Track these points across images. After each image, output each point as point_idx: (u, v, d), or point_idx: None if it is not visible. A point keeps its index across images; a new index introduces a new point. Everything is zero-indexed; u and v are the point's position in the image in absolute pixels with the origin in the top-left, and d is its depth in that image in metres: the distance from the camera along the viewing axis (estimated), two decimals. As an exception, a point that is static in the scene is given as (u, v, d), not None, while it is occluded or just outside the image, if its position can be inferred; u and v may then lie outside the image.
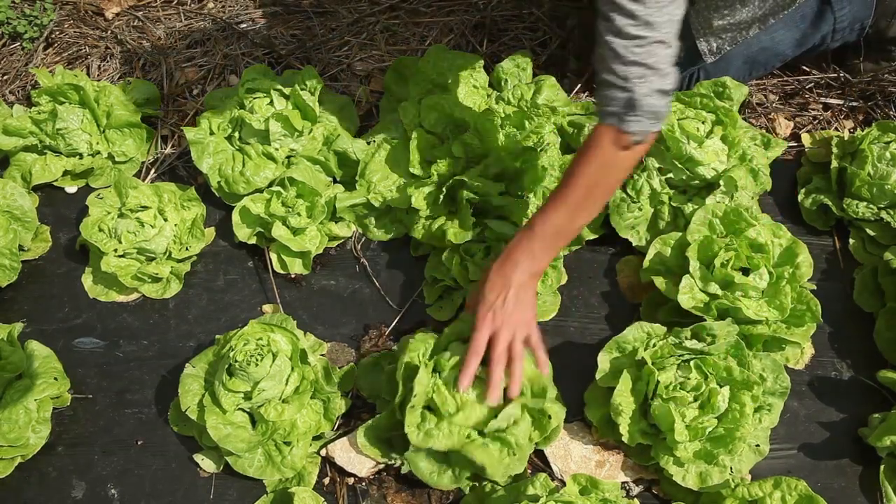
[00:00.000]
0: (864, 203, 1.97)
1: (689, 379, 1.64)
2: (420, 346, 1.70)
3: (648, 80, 1.46)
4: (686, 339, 1.71)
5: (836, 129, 2.24)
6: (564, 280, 1.95)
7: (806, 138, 2.18)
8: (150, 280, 1.99)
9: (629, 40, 1.43)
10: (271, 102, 2.11)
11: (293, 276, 2.04)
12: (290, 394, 1.71)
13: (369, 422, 1.74)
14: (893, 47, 2.23)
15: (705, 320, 1.72)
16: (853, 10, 2.08)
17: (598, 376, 1.73)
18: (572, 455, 1.75)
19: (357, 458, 1.75)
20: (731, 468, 1.61)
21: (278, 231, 1.95)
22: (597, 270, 2.04)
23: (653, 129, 1.52)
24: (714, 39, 2.03)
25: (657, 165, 1.96)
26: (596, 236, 2.01)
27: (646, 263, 1.88)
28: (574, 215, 1.61)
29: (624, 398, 1.66)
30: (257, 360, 1.67)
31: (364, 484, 1.76)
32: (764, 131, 2.13)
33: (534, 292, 1.67)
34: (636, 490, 1.74)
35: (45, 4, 2.59)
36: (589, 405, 1.76)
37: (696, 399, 1.62)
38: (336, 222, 2.05)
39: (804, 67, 2.34)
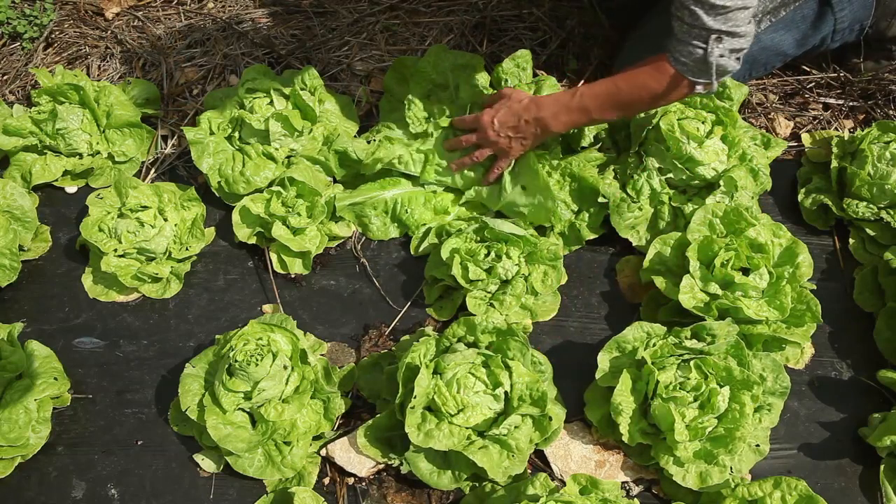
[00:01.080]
0: (864, 203, 1.97)
1: (689, 379, 1.64)
2: (421, 348, 1.70)
3: (725, 42, 1.58)
4: (686, 338, 1.71)
5: (836, 128, 2.24)
6: (564, 280, 1.95)
7: (806, 138, 2.18)
8: (150, 280, 1.99)
9: (712, 9, 1.54)
10: (271, 102, 2.11)
11: (293, 276, 2.04)
12: (290, 394, 1.71)
13: (369, 422, 1.74)
14: (894, 47, 2.23)
15: (705, 320, 1.72)
16: (853, 10, 2.08)
17: (598, 376, 1.73)
18: (572, 455, 1.75)
19: (357, 458, 1.75)
20: (731, 468, 1.61)
21: (278, 231, 1.95)
22: (597, 270, 2.04)
23: (717, 81, 1.65)
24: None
25: (657, 165, 1.96)
26: (596, 236, 2.01)
27: (646, 263, 1.89)
28: (606, 110, 1.81)
29: (624, 398, 1.66)
30: (257, 359, 1.67)
31: (364, 484, 1.76)
32: (764, 131, 2.13)
33: (533, 140, 1.91)
34: (636, 490, 1.74)
35: (45, 4, 2.59)
36: (589, 405, 1.77)
37: (696, 399, 1.62)
38: (336, 222, 2.05)
39: (804, 67, 2.34)
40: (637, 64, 1.77)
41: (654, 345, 1.69)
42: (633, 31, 2.24)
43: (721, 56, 1.60)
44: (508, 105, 1.92)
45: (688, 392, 1.63)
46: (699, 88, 1.69)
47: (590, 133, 2.06)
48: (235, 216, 2.00)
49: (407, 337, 1.91)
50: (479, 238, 1.92)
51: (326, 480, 1.77)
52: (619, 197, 1.96)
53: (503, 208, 2.02)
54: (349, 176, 2.12)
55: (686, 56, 1.64)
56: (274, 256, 2.02)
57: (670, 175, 1.95)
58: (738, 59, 1.64)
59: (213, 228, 2.11)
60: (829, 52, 2.27)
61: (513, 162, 1.97)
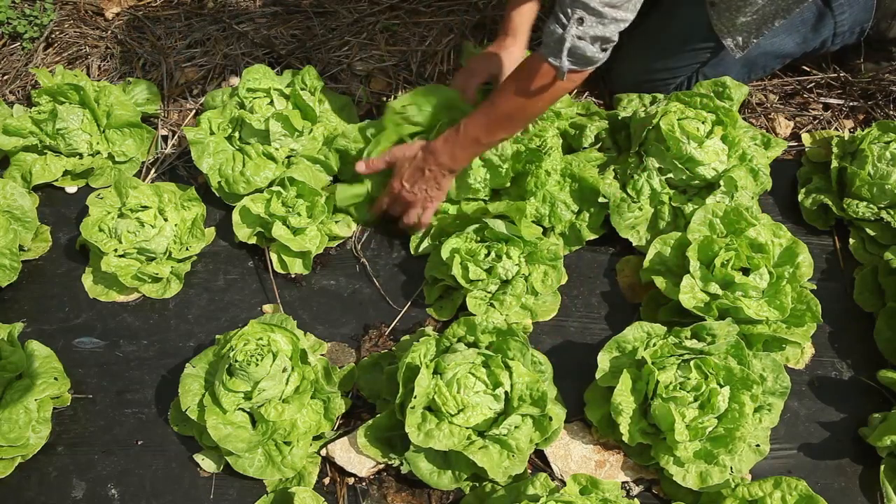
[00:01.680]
0: (865, 203, 1.97)
1: (689, 379, 1.64)
2: (421, 348, 1.70)
3: (587, 25, 1.52)
4: (686, 338, 1.71)
5: (837, 128, 2.24)
6: (564, 280, 1.95)
7: (806, 138, 2.18)
8: (150, 280, 1.99)
9: None
10: (271, 102, 2.11)
11: (293, 275, 2.04)
12: (291, 394, 1.71)
13: (369, 422, 1.74)
14: (894, 48, 2.23)
15: (705, 320, 1.72)
16: (853, 13, 2.08)
17: (598, 376, 1.73)
18: (572, 455, 1.75)
19: (357, 458, 1.75)
20: (731, 468, 1.61)
21: (278, 231, 1.95)
22: (597, 270, 2.04)
23: (580, 69, 1.59)
24: (739, 35, 2.02)
25: (657, 165, 1.96)
26: (596, 236, 2.01)
27: (646, 263, 1.89)
28: (493, 131, 1.78)
29: (624, 397, 1.66)
30: (257, 359, 1.67)
31: (364, 484, 1.76)
32: (764, 131, 2.13)
33: (446, 183, 1.92)
34: (636, 490, 1.74)
35: (45, 4, 2.59)
36: (589, 405, 1.77)
37: (696, 399, 1.62)
38: (336, 222, 2.05)
39: (804, 68, 2.34)
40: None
41: (655, 345, 1.69)
42: (633, 31, 2.24)
43: (579, 38, 1.53)
44: (408, 164, 1.91)
45: (688, 392, 1.63)
46: (562, 74, 1.58)
47: (591, 133, 2.06)
48: (235, 216, 2.00)
49: (407, 337, 1.91)
50: (479, 238, 1.92)
51: (326, 480, 1.77)
52: (619, 197, 1.97)
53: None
54: (349, 174, 2.11)
55: (548, 36, 1.58)
56: (274, 256, 2.02)
57: (670, 175, 1.95)
58: (603, 49, 1.57)
59: (213, 228, 2.11)
60: (829, 54, 2.27)
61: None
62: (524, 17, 2.04)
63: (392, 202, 1.99)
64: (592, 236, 2.00)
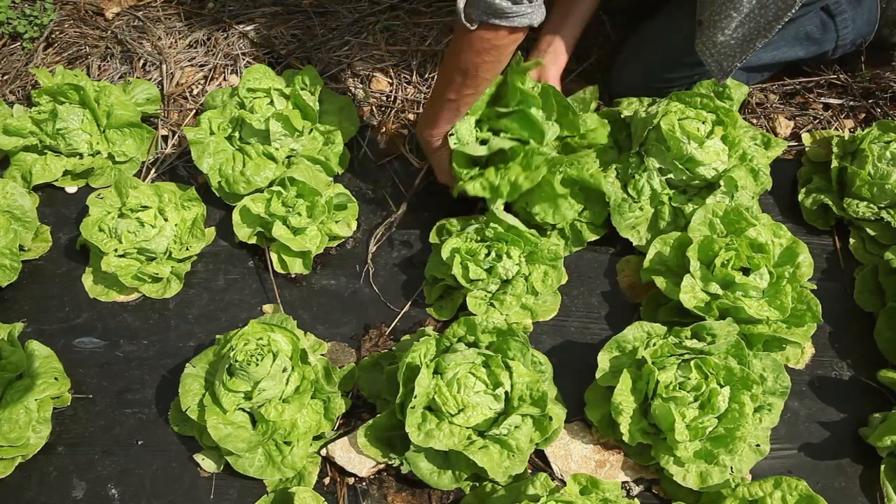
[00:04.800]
0: (865, 203, 1.97)
1: (689, 379, 1.64)
2: (422, 348, 1.70)
3: None
4: (686, 338, 1.71)
5: (837, 128, 2.24)
6: (565, 280, 1.95)
7: (806, 138, 2.18)
8: (150, 280, 1.99)
9: None
10: (271, 102, 2.11)
11: (293, 275, 2.04)
12: (291, 394, 1.71)
13: (369, 422, 1.74)
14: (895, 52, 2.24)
15: (705, 320, 1.72)
16: (856, 27, 2.08)
17: (598, 375, 1.73)
18: (572, 455, 1.75)
19: (357, 457, 1.75)
20: (731, 468, 1.61)
21: (278, 231, 1.95)
22: (597, 270, 2.04)
23: (491, 21, 1.58)
24: (723, 58, 1.92)
25: (658, 166, 1.96)
26: (597, 237, 2.01)
27: (646, 263, 1.89)
28: (452, 89, 1.76)
29: (624, 397, 1.66)
30: (258, 359, 1.67)
31: (364, 484, 1.76)
32: (764, 131, 2.13)
33: (427, 154, 1.99)
34: (636, 490, 1.74)
35: (46, 4, 2.59)
36: (589, 405, 1.77)
37: (696, 399, 1.62)
38: (336, 222, 2.05)
39: (805, 68, 2.34)
40: None
41: (655, 344, 1.69)
42: (634, 33, 2.24)
43: None
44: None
45: (688, 392, 1.63)
46: (473, 27, 1.59)
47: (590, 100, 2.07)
48: (236, 216, 2.00)
49: (407, 337, 1.91)
50: (479, 238, 1.91)
51: (327, 480, 1.77)
52: (620, 197, 1.96)
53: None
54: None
55: None
56: (274, 256, 2.02)
57: (671, 175, 1.95)
58: (508, 5, 1.55)
59: (213, 228, 2.11)
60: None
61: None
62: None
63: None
64: (593, 237, 2.00)
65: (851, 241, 2.03)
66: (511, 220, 1.87)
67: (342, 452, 1.75)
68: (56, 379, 1.81)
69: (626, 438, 1.65)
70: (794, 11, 1.82)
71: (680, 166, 1.92)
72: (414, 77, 2.38)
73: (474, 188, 1.88)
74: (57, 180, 2.18)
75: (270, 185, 2.04)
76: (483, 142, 1.91)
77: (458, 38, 1.66)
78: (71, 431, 1.85)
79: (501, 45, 1.65)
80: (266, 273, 2.04)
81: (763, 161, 1.98)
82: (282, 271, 2.02)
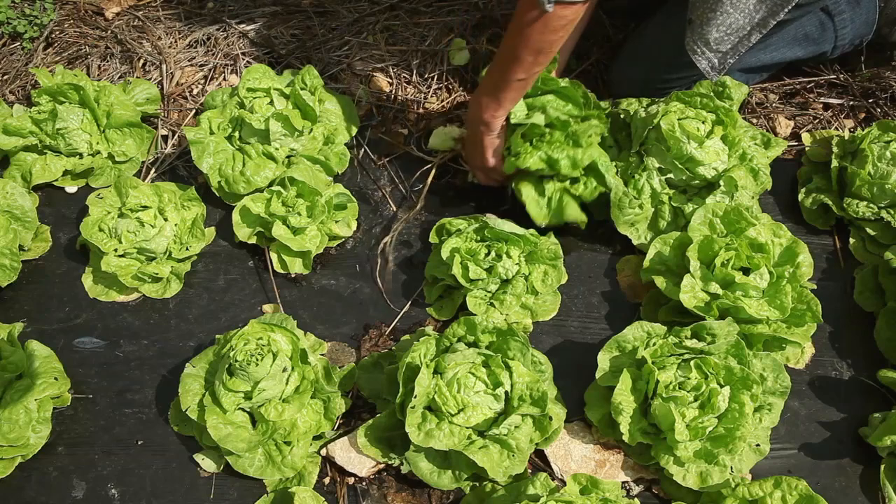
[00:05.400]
0: (865, 202, 1.97)
1: (689, 378, 1.64)
2: (422, 347, 1.70)
3: None
4: (686, 338, 1.71)
5: (837, 128, 2.24)
6: (565, 279, 1.95)
7: (806, 138, 2.18)
8: (150, 280, 1.99)
9: None
10: (271, 102, 2.11)
11: (293, 275, 2.04)
12: (291, 393, 1.71)
13: (370, 422, 1.74)
14: (895, 52, 2.24)
15: (705, 320, 1.72)
16: (855, 28, 2.08)
17: (598, 375, 1.73)
18: (572, 455, 1.75)
19: (357, 457, 1.75)
20: (731, 468, 1.61)
21: (278, 230, 1.95)
22: (597, 270, 2.04)
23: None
24: (714, 55, 1.95)
25: (657, 165, 1.95)
26: (579, 221, 1.96)
27: (646, 263, 1.89)
28: (506, 69, 1.75)
29: (624, 397, 1.66)
30: (258, 359, 1.67)
31: (364, 484, 1.76)
32: (764, 131, 2.13)
33: (486, 140, 1.92)
34: (636, 490, 1.74)
35: (45, 4, 2.59)
36: (589, 405, 1.76)
37: (696, 399, 1.62)
38: (336, 222, 2.05)
39: (804, 68, 2.34)
40: None
41: (655, 344, 1.69)
42: (634, 32, 2.24)
43: None
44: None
45: (688, 392, 1.63)
46: (544, 8, 1.57)
47: None
48: (236, 216, 2.00)
49: (407, 336, 1.91)
50: (479, 237, 1.91)
51: (327, 480, 1.77)
52: (621, 191, 1.95)
53: None
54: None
55: None
56: (274, 256, 2.02)
57: (671, 175, 1.95)
58: None
59: (213, 228, 2.11)
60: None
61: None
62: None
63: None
64: (576, 217, 1.96)
65: (851, 240, 2.03)
66: (508, 226, 1.87)
67: (342, 452, 1.75)
68: (56, 379, 1.81)
69: (626, 438, 1.65)
70: (790, 8, 1.82)
71: (680, 166, 1.92)
72: (414, 77, 2.39)
73: (534, 162, 1.88)
74: (57, 180, 2.18)
75: (270, 184, 2.04)
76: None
77: (531, 19, 1.62)
78: (71, 431, 1.85)
79: (576, 18, 1.65)
80: (266, 273, 2.04)
81: (763, 161, 1.98)
82: (282, 271, 2.02)
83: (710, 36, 1.90)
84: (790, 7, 1.82)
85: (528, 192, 1.94)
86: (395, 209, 2.14)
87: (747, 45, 1.91)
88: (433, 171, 2.17)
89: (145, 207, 2.00)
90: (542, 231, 1.99)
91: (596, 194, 1.94)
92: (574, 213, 1.94)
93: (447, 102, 2.34)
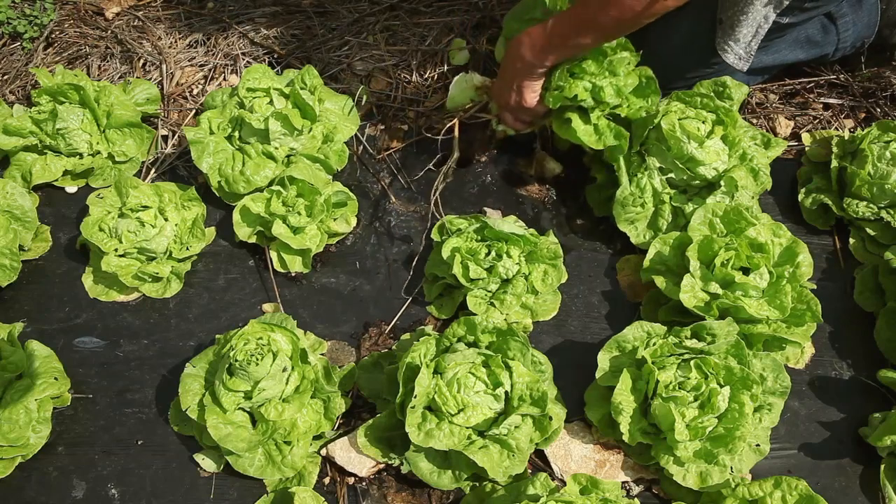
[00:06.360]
0: (865, 202, 1.97)
1: (689, 378, 1.64)
2: (422, 347, 1.70)
3: None
4: (686, 338, 1.71)
5: (837, 128, 2.24)
6: (565, 279, 1.95)
7: (806, 138, 2.18)
8: (150, 279, 1.99)
9: None
10: (271, 101, 2.11)
11: (293, 274, 2.04)
12: (291, 393, 1.71)
13: (370, 421, 1.74)
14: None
15: (705, 320, 1.72)
16: (857, 30, 2.08)
17: (598, 375, 1.73)
18: (572, 455, 1.75)
19: (357, 457, 1.75)
20: (731, 468, 1.61)
21: (278, 229, 1.95)
22: (597, 269, 2.04)
23: None
24: (741, 47, 1.97)
25: (658, 165, 1.95)
26: (597, 216, 1.97)
27: (646, 263, 1.89)
28: (581, 32, 1.72)
29: (624, 397, 1.66)
30: (258, 359, 1.67)
31: (364, 483, 1.76)
32: (764, 131, 2.13)
33: (530, 85, 1.88)
34: (636, 490, 1.74)
35: (45, 4, 2.59)
36: (589, 404, 1.76)
37: (696, 399, 1.62)
38: (335, 220, 2.05)
39: (805, 69, 2.34)
40: None
41: (655, 344, 1.69)
42: (634, 34, 2.23)
43: None
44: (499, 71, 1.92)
45: (688, 392, 1.63)
46: None
47: None
48: (236, 215, 2.00)
49: (407, 336, 1.91)
50: (479, 237, 1.92)
51: (327, 480, 1.77)
52: (628, 190, 1.95)
53: None
54: None
55: None
56: (274, 255, 2.02)
57: (671, 175, 1.95)
58: None
59: (213, 228, 2.11)
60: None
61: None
62: None
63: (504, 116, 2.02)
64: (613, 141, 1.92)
65: (851, 240, 2.03)
66: (508, 227, 1.87)
67: (342, 452, 1.75)
68: (56, 379, 1.81)
69: (626, 438, 1.65)
70: None
71: (680, 166, 1.92)
72: (414, 77, 2.39)
73: (581, 92, 1.86)
74: (57, 180, 2.18)
75: (270, 184, 2.04)
76: None
77: (633, 3, 1.61)
78: (71, 431, 1.85)
79: (678, 5, 1.63)
80: (266, 272, 2.04)
81: (763, 161, 1.98)
82: (282, 270, 2.02)
83: (739, 34, 1.93)
84: None
85: (576, 123, 1.92)
86: (395, 202, 2.14)
87: (767, 26, 1.92)
88: (457, 124, 2.09)
89: (145, 207, 2.00)
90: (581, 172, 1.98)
91: (642, 113, 1.93)
92: (621, 135, 1.92)
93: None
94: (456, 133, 2.08)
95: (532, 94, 1.90)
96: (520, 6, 2.03)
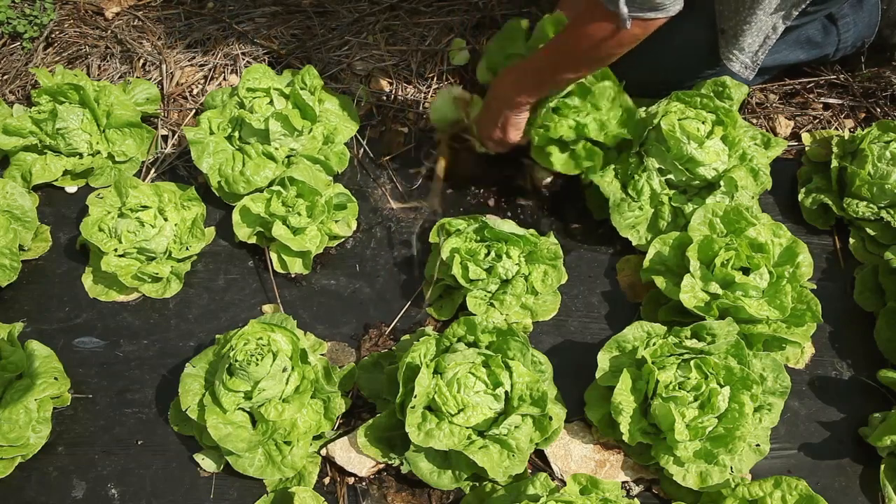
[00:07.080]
0: (865, 202, 1.97)
1: (689, 378, 1.64)
2: (422, 347, 1.70)
3: None
4: (686, 338, 1.71)
5: (837, 128, 2.24)
6: (565, 279, 1.95)
7: (806, 138, 2.18)
8: (150, 280, 1.99)
9: None
10: (271, 102, 2.11)
11: (293, 275, 2.04)
12: (291, 393, 1.71)
13: (369, 421, 1.74)
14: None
15: (705, 320, 1.72)
16: (857, 31, 2.08)
17: (598, 375, 1.73)
18: (572, 455, 1.75)
19: (357, 457, 1.75)
20: (731, 468, 1.61)
21: (278, 230, 1.95)
22: (597, 270, 2.04)
23: (645, 14, 1.53)
24: (746, 56, 1.97)
25: (657, 166, 1.96)
26: (596, 219, 1.98)
27: (646, 263, 1.89)
28: (557, 69, 1.75)
29: (624, 397, 1.66)
30: (258, 359, 1.67)
31: (364, 483, 1.76)
32: (764, 131, 2.13)
33: (511, 121, 1.90)
34: (636, 490, 1.74)
35: (45, 4, 2.59)
36: (589, 404, 1.77)
37: (696, 399, 1.62)
38: (336, 222, 2.05)
39: (805, 69, 2.34)
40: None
41: (655, 344, 1.69)
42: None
43: None
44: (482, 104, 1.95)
45: (688, 392, 1.63)
46: (623, 22, 1.53)
47: None
48: (235, 216, 2.00)
49: (407, 336, 1.91)
50: (479, 238, 1.91)
51: (327, 480, 1.77)
52: (619, 196, 1.96)
53: None
54: None
55: None
56: (274, 256, 2.02)
57: (671, 175, 1.95)
58: None
59: (213, 228, 2.11)
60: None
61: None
62: None
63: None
64: (615, 134, 1.95)
65: (851, 240, 2.03)
66: (508, 227, 1.87)
67: (342, 452, 1.75)
68: (56, 379, 1.81)
69: (626, 438, 1.65)
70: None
71: (680, 166, 1.92)
72: (414, 77, 2.39)
73: (566, 131, 1.89)
74: (57, 180, 2.18)
75: (270, 184, 2.04)
76: None
77: (604, 32, 1.59)
78: (71, 431, 1.85)
79: (647, 34, 1.62)
80: (266, 273, 2.04)
81: (763, 161, 1.98)
82: (282, 271, 2.02)
83: (744, 43, 1.94)
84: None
85: (555, 156, 1.95)
86: (394, 206, 2.14)
87: (775, 37, 1.93)
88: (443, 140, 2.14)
89: (145, 207, 2.00)
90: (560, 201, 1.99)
91: (619, 139, 1.96)
92: (593, 154, 1.95)
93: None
94: (444, 149, 2.14)
95: (516, 131, 1.93)
96: (503, 35, 2.04)
